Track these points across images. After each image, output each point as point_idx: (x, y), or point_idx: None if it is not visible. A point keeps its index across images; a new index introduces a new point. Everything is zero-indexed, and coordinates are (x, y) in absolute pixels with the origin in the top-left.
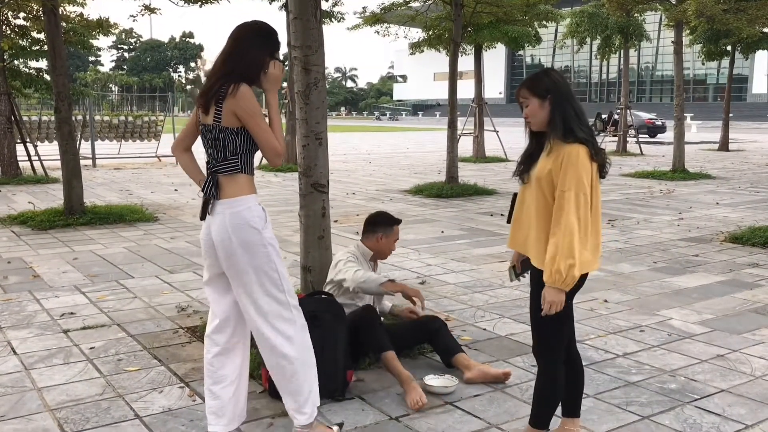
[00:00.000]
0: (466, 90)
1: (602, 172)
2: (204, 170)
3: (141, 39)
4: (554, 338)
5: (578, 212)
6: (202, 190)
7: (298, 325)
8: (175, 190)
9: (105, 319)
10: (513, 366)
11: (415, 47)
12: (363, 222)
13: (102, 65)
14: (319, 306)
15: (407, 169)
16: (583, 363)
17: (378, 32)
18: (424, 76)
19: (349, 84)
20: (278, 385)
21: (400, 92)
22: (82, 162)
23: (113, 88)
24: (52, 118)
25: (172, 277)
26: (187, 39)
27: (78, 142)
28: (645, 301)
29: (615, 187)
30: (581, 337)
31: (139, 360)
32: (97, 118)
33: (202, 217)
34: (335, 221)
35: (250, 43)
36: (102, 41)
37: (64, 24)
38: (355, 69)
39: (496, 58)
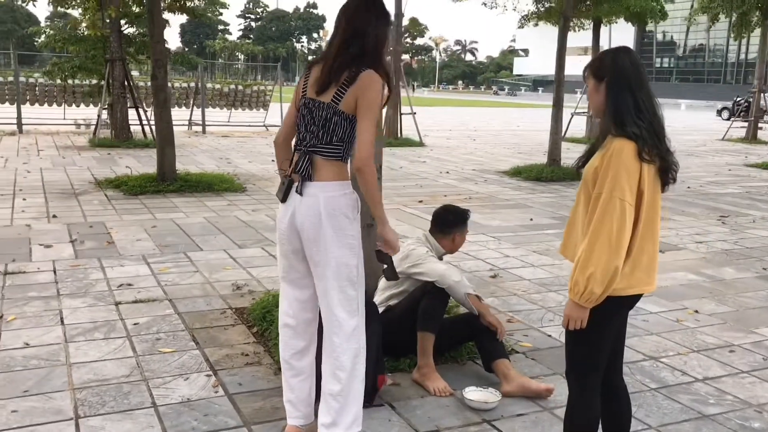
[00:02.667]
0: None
1: (665, 179)
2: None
3: (267, 9)
4: (585, 361)
5: (610, 220)
6: (295, 170)
7: (357, 333)
8: (272, 160)
9: (159, 293)
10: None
11: (525, 20)
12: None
13: (230, 34)
14: None
15: (512, 148)
16: (654, 386)
17: (485, 4)
18: (546, 50)
19: (469, 57)
20: (328, 391)
21: (520, 67)
22: (194, 128)
23: (240, 57)
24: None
25: (239, 252)
26: (311, 10)
27: (190, 109)
28: (743, 315)
29: (736, 179)
30: (657, 354)
31: (176, 341)
32: (209, 86)
33: (284, 199)
34: (420, 201)
35: (367, 21)
36: (231, 11)
37: None
38: (476, 42)
39: (624, 33)
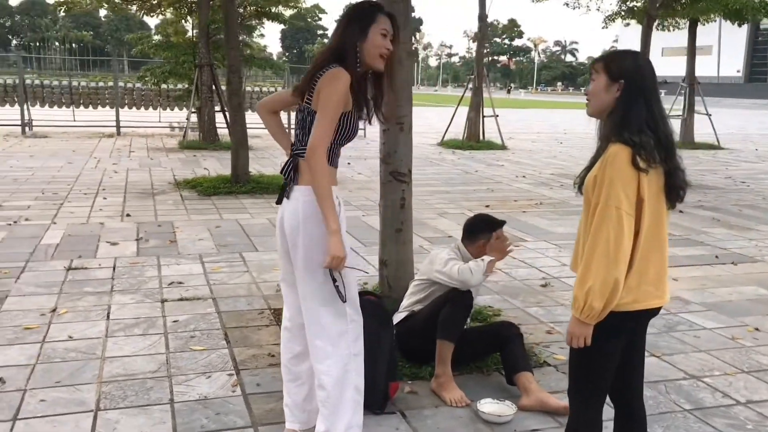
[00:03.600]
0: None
1: (671, 197)
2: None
3: None
4: (588, 379)
5: (607, 230)
6: (281, 172)
7: (347, 340)
8: (348, 163)
9: (205, 292)
10: None
11: (609, 20)
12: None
13: (328, 38)
14: (364, 309)
15: None
16: (688, 407)
17: (567, 4)
18: (651, 50)
19: (569, 58)
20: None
21: None
22: None
23: None
24: (255, 89)
25: None
26: None
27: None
28: None
29: None
30: (701, 373)
31: (209, 339)
32: None
33: (278, 201)
34: (486, 206)
35: (340, 24)
36: (330, 16)
37: None
38: (576, 42)
39: (733, 32)
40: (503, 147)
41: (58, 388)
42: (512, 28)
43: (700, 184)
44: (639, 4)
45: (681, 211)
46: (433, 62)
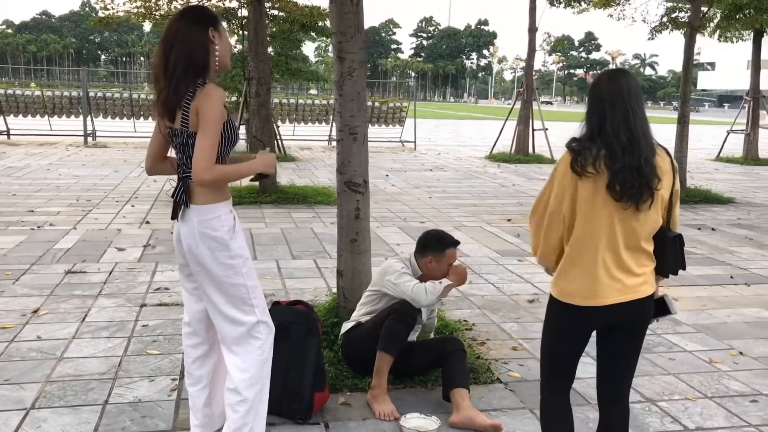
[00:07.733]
0: None
1: (613, 194)
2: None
3: (439, 27)
4: (543, 365)
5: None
6: (172, 195)
7: (261, 346)
8: (386, 175)
9: None
10: (532, 420)
11: (655, 32)
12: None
13: (402, 53)
14: (292, 317)
15: None
16: (632, 431)
17: (611, 16)
18: (735, 63)
19: (648, 71)
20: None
21: (705, 81)
22: (332, 143)
23: (411, 74)
24: (301, 101)
25: (289, 263)
26: (482, 27)
27: (330, 125)
28: None
29: None
30: (659, 396)
31: (169, 344)
32: None
33: (173, 217)
34: (508, 220)
35: (187, 30)
36: (403, 30)
37: (278, 12)
38: (656, 55)
39: None
40: (552, 161)
41: (5, 385)
42: (561, 44)
43: (747, 201)
44: (683, 15)
45: (713, 229)
46: (508, 76)
